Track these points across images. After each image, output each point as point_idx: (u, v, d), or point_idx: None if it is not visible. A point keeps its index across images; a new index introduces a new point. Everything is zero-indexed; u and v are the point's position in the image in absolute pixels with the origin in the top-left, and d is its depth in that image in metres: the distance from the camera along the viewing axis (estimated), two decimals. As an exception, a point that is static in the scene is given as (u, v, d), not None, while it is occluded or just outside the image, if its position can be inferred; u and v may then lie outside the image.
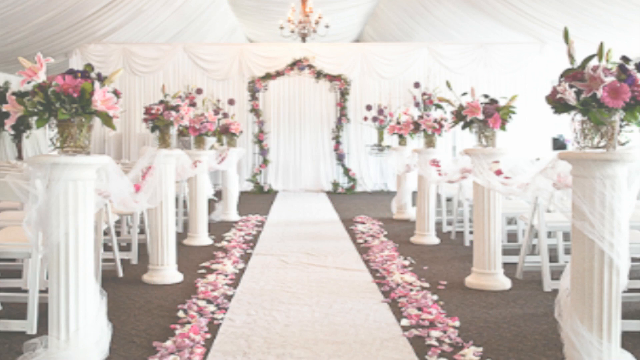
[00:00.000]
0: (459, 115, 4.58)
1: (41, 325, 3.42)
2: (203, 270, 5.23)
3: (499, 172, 4.36)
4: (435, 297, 4.36)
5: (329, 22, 12.35)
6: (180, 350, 3.28)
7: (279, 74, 12.78)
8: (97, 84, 2.74)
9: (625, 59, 2.64)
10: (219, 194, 8.63)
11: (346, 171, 12.73)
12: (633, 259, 3.08)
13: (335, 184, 12.50)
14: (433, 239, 6.63)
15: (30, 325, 3.50)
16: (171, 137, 5.09)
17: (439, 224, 7.49)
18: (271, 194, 12.34)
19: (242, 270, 5.25)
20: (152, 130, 5.08)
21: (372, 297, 4.36)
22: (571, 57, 2.75)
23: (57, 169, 2.71)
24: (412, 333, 3.58)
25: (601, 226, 2.68)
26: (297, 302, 4.24)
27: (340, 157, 12.79)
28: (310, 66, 12.70)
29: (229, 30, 16.26)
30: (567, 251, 5.19)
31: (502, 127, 4.51)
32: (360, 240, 6.67)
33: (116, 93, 2.86)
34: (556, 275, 4.39)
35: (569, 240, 4.40)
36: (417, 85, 12.57)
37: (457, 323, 3.77)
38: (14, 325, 3.54)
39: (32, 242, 3.28)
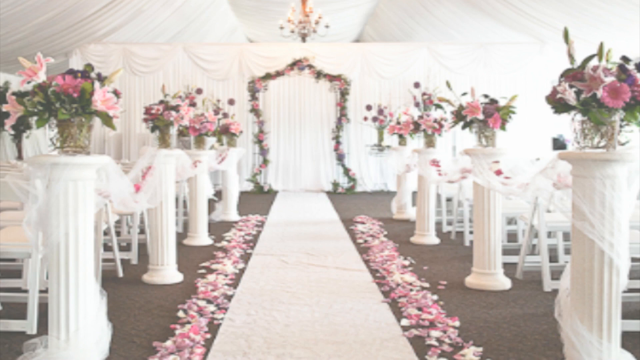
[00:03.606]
0: (459, 115, 4.58)
1: (41, 325, 3.42)
2: (203, 270, 5.23)
3: (499, 172, 4.36)
4: (435, 297, 4.36)
5: (329, 22, 12.34)
6: (180, 350, 3.28)
7: (279, 74, 12.78)
8: (97, 84, 2.74)
9: (625, 59, 2.64)
10: (219, 194, 8.62)
11: (346, 171, 12.73)
12: (633, 259, 3.09)
13: (335, 184, 12.50)
14: (433, 239, 6.63)
15: (30, 325, 3.50)
16: (171, 137, 5.09)
17: (439, 224, 7.49)
18: (271, 194, 12.34)
19: (242, 270, 5.25)
20: (152, 130, 5.08)
21: (372, 297, 4.36)
22: (571, 57, 2.75)
23: (57, 169, 2.71)
24: (412, 333, 3.58)
25: (601, 226, 2.68)
26: (297, 302, 4.24)
27: (340, 157, 12.79)
28: (310, 66, 12.70)
29: (229, 30, 16.25)
30: (567, 251, 5.19)
31: (502, 127, 4.51)
32: (360, 240, 6.67)
33: (116, 93, 2.86)
34: (556, 275, 4.39)
35: (569, 240, 4.40)
36: (417, 85, 12.57)
37: (457, 323, 3.77)
38: (14, 325, 3.54)
39: (32, 242, 3.28)
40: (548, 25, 11.01)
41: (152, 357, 3.20)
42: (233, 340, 3.47)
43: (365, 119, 12.45)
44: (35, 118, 2.75)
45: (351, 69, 12.80)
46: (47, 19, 9.69)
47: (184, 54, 12.86)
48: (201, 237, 6.56)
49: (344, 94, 12.74)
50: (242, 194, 11.18)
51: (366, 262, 5.57)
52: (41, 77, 2.72)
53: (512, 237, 6.75)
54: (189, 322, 3.77)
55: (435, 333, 3.56)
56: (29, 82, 2.75)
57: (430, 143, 6.50)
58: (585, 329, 2.72)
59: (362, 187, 12.80)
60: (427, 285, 4.73)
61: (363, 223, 7.95)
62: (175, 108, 5.06)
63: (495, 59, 12.81)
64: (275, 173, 12.92)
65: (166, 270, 4.88)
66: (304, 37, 12.58)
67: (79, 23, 10.72)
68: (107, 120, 2.80)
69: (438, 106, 6.46)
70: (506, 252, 5.63)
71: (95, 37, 12.08)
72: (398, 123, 7.97)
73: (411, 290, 4.53)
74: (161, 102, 5.10)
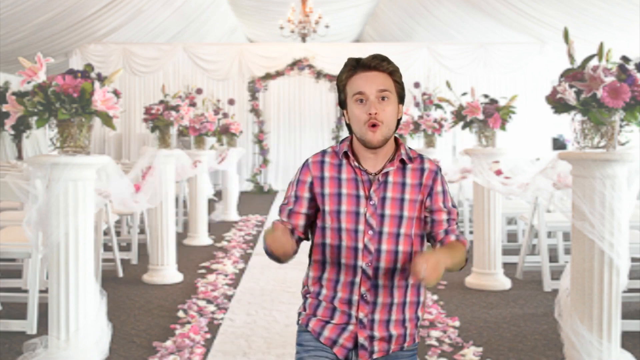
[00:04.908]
0: (459, 115, 4.58)
1: (41, 325, 3.42)
2: (203, 270, 5.23)
3: (499, 172, 4.36)
4: (435, 297, 4.36)
5: (329, 22, 12.34)
6: (180, 350, 3.28)
7: (279, 74, 12.76)
8: (97, 84, 2.74)
9: (625, 59, 2.64)
10: (219, 194, 8.63)
11: (346, 171, 12.71)
12: (633, 259, 3.09)
13: (336, 184, 12.47)
14: (433, 239, 6.62)
15: (30, 325, 3.50)
16: (171, 137, 5.09)
17: (439, 224, 7.48)
18: (271, 194, 12.33)
19: (242, 270, 5.25)
20: (152, 130, 5.08)
21: (372, 297, 4.36)
22: (571, 57, 2.75)
23: (57, 169, 2.71)
24: (412, 333, 3.58)
25: (601, 226, 2.68)
26: (297, 302, 4.23)
27: (340, 157, 12.77)
28: (310, 66, 12.69)
29: (229, 30, 16.24)
30: (567, 251, 5.18)
31: (502, 127, 4.51)
32: (360, 240, 6.66)
33: (116, 93, 2.86)
34: (556, 275, 4.39)
35: (569, 240, 4.41)
36: (417, 85, 12.55)
37: (457, 323, 3.77)
38: (14, 325, 3.54)
39: (32, 242, 3.28)
40: (548, 25, 11.00)
41: (152, 357, 3.20)
42: (233, 340, 3.47)
43: (366, 118, 12.43)
44: (35, 118, 2.75)
45: (351, 69, 12.77)
46: (47, 19, 9.68)
47: (184, 54, 12.85)
48: (201, 237, 6.56)
49: (344, 93, 12.73)
50: (242, 194, 11.18)
51: (366, 262, 5.56)
52: (41, 77, 2.72)
53: (512, 237, 6.75)
54: (189, 322, 3.77)
55: (435, 333, 3.56)
56: (29, 82, 2.75)
57: (430, 143, 6.50)
58: (585, 329, 2.72)
59: (362, 187, 12.77)
60: (427, 285, 4.72)
61: (363, 223, 7.94)
62: (175, 108, 5.06)
63: (495, 59, 12.80)
64: (275, 173, 12.91)
65: (166, 270, 4.88)
66: (304, 37, 12.57)
67: (79, 23, 10.71)
68: (107, 120, 2.80)
69: (438, 106, 6.46)
70: (506, 252, 5.63)
71: (95, 37, 12.07)
72: (398, 123, 7.96)
73: (411, 290, 4.52)
74: (161, 102, 5.10)
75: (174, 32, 13.57)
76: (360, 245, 1.66)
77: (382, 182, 1.68)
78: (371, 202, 1.67)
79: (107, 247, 5.38)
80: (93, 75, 2.80)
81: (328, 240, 1.71)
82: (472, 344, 3.40)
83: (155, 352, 3.28)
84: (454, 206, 1.76)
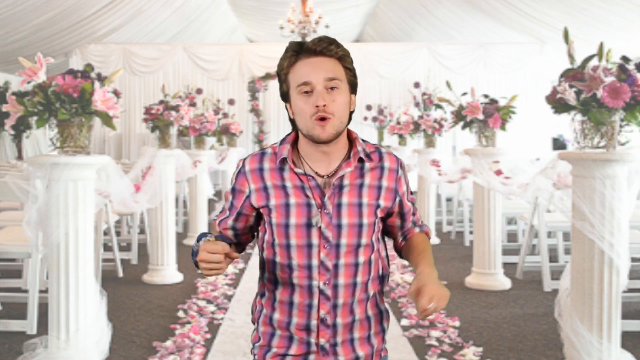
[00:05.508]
0: (459, 115, 4.58)
1: (41, 325, 3.42)
2: (203, 270, 5.23)
3: (499, 172, 4.36)
4: (435, 297, 4.36)
5: (329, 22, 12.32)
6: (180, 350, 3.28)
7: (279, 74, 12.76)
8: (97, 84, 2.74)
9: (625, 59, 2.64)
10: (219, 194, 8.62)
11: (346, 171, 12.70)
12: (633, 259, 3.08)
13: (335, 184, 12.47)
14: (433, 239, 6.63)
15: (30, 325, 3.50)
16: (171, 137, 5.09)
17: (439, 224, 7.49)
18: (271, 194, 12.32)
19: (242, 270, 5.25)
20: (152, 130, 5.08)
21: (372, 297, 4.36)
22: (571, 57, 2.75)
23: (57, 169, 2.71)
24: (412, 333, 3.58)
25: (601, 226, 2.68)
26: (297, 302, 4.23)
27: (340, 157, 12.76)
28: (310, 66, 12.68)
29: (229, 30, 16.25)
30: (567, 251, 5.18)
31: (502, 127, 4.51)
32: (360, 240, 6.66)
33: (116, 93, 2.86)
34: (556, 275, 4.39)
35: (569, 240, 4.41)
36: (417, 85, 12.55)
37: (457, 323, 3.77)
38: (14, 325, 3.54)
39: (32, 242, 3.28)
40: (548, 25, 11.00)
41: (152, 357, 3.20)
42: (233, 340, 3.47)
43: (365, 119, 12.43)
44: (35, 118, 2.75)
45: (351, 69, 12.76)
46: (47, 19, 9.68)
47: (184, 54, 12.85)
48: (201, 237, 6.54)
49: (344, 93, 12.71)
50: (242, 194, 11.16)
51: (366, 262, 5.56)
52: (41, 77, 2.72)
53: (512, 237, 6.75)
54: (189, 322, 3.77)
55: (435, 333, 3.56)
56: (29, 82, 2.75)
57: (430, 143, 6.50)
58: (585, 329, 2.72)
59: (362, 187, 12.76)
60: (427, 285, 4.72)
61: (363, 223, 7.93)
62: (175, 108, 5.06)
63: (495, 59, 12.80)
64: (275, 173, 12.90)
65: (166, 270, 4.88)
66: (304, 37, 12.55)
67: (79, 23, 10.72)
68: (107, 120, 2.80)
69: (438, 106, 6.47)
70: (506, 252, 5.62)
71: (95, 37, 12.07)
72: (398, 123, 7.96)
73: (411, 290, 4.52)
74: (161, 102, 5.10)
75: (174, 32, 13.57)
76: (315, 262, 1.43)
77: (336, 187, 1.44)
78: (325, 211, 1.43)
79: (107, 247, 5.38)
80: (93, 75, 2.80)
81: (278, 259, 1.47)
82: (472, 344, 3.40)
83: (155, 352, 3.28)
84: (410, 192, 1.60)
